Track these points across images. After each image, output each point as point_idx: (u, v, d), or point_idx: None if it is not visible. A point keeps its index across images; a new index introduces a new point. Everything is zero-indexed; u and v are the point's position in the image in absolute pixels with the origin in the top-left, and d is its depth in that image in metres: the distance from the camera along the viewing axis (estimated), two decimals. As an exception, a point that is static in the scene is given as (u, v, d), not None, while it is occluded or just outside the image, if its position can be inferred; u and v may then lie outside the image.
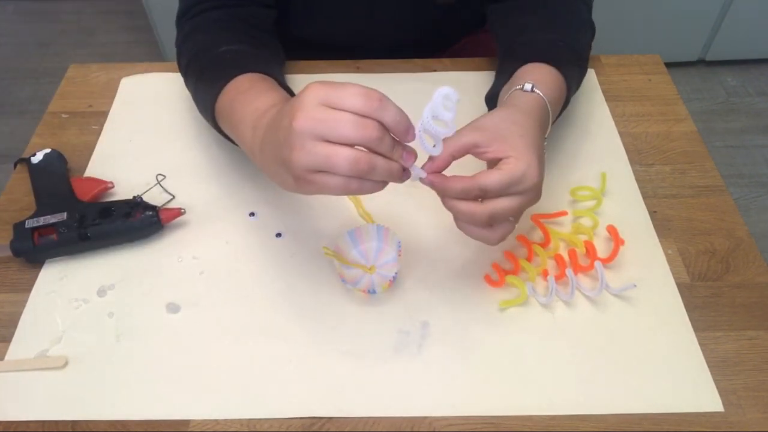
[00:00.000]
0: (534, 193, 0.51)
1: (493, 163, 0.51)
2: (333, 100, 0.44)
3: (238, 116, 0.57)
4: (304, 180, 0.46)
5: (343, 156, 0.44)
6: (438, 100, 0.46)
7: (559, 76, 0.61)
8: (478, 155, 0.51)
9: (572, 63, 0.65)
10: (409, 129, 0.46)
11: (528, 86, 0.57)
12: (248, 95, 0.57)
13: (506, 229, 0.52)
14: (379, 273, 0.59)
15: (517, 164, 0.49)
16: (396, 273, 0.58)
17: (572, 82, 0.63)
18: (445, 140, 0.49)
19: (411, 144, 0.47)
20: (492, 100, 0.65)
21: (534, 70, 0.61)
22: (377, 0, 0.79)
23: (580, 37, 0.69)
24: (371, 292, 0.58)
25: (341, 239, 0.60)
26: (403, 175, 0.48)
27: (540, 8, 0.71)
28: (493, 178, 0.49)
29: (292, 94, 0.62)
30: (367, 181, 0.46)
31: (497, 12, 0.75)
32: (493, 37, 0.75)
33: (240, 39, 0.67)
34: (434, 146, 0.49)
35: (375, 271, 0.59)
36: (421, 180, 0.50)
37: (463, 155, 0.51)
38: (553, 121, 0.61)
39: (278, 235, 0.63)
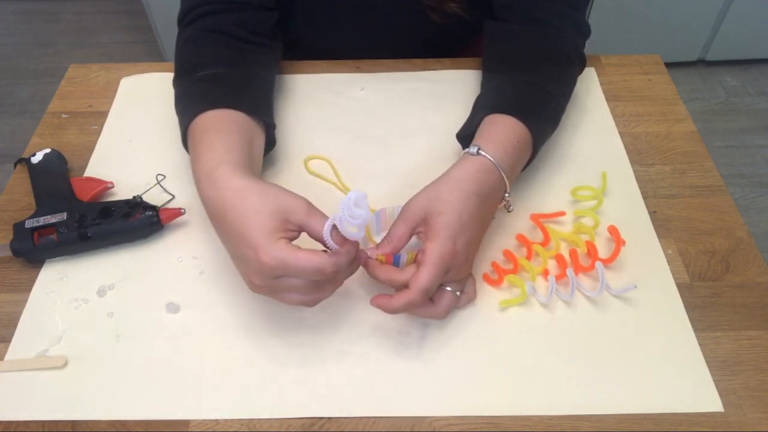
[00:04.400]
0: (458, 268, 0.53)
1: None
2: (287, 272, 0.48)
3: (193, 167, 0.58)
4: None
5: (304, 290, 0.50)
6: (349, 204, 0.48)
7: (521, 128, 0.60)
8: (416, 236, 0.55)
9: (542, 109, 0.65)
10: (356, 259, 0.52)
11: (473, 149, 0.57)
12: (200, 146, 0.58)
13: (449, 300, 0.54)
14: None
15: (433, 249, 0.51)
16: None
17: (539, 130, 0.62)
18: (389, 234, 0.54)
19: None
20: (464, 141, 0.66)
21: (496, 122, 0.61)
22: (377, 12, 0.79)
23: (561, 75, 0.69)
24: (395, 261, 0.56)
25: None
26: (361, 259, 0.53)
27: (529, 37, 0.70)
28: (425, 277, 0.50)
29: (262, 118, 0.63)
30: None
31: (489, 32, 0.74)
32: (483, 53, 0.75)
33: (221, 58, 0.67)
34: (357, 231, 0.50)
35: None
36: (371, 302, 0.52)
37: (409, 240, 0.54)
38: (515, 173, 0.61)
39: None
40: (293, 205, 0.51)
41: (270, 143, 0.67)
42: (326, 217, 0.51)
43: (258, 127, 0.63)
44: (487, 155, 0.56)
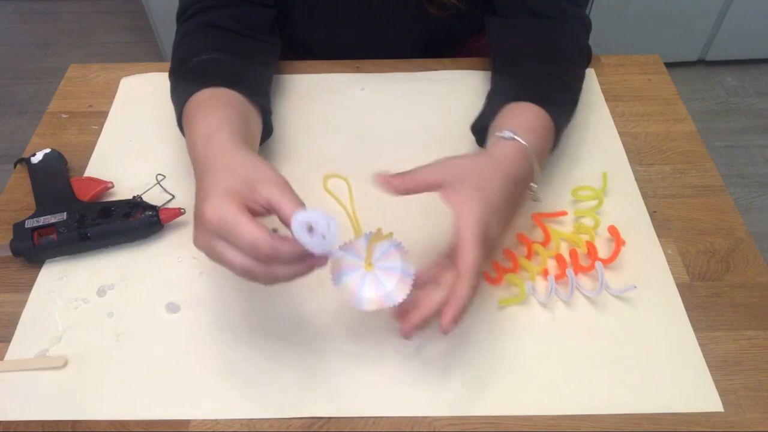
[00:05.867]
0: (489, 250, 0.50)
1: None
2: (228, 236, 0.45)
3: (188, 134, 0.57)
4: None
5: (237, 263, 0.45)
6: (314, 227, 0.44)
7: (545, 116, 0.60)
8: (438, 193, 0.51)
9: (562, 99, 0.64)
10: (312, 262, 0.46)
11: (508, 133, 0.55)
12: (197, 117, 0.57)
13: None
14: (379, 267, 0.51)
15: (469, 227, 0.48)
16: (401, 267, 0.50)
17: (561, 120, 0.62)
18: (412, 172, 0.49)
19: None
20: (479, 133, 0.65)
21: (520, 110, 0.60)
22: (375, 7, 0.79)
23: (574, 67, 0.68)
24: (390, 301, 0.49)
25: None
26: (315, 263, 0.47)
27: (536, 31, 0.70)
28: (471, 256, 0.47)
29: (259, 100, 0.63)
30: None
31: (494, 27, 0.74)
32: (489, 51, 0.75)
33: (218, 46, 0.67)
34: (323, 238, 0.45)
35: (374, 267, 0.51)
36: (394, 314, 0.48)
37: (425, 191, 0.50)
38: (543, 162, 0.59)
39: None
40: (267, 177, 0.47)
41: (267, 130, 0.66)
42: (301, 203, 0.46)
43: (254, 110, 0.63)
44: (521, 140, 0.55)
